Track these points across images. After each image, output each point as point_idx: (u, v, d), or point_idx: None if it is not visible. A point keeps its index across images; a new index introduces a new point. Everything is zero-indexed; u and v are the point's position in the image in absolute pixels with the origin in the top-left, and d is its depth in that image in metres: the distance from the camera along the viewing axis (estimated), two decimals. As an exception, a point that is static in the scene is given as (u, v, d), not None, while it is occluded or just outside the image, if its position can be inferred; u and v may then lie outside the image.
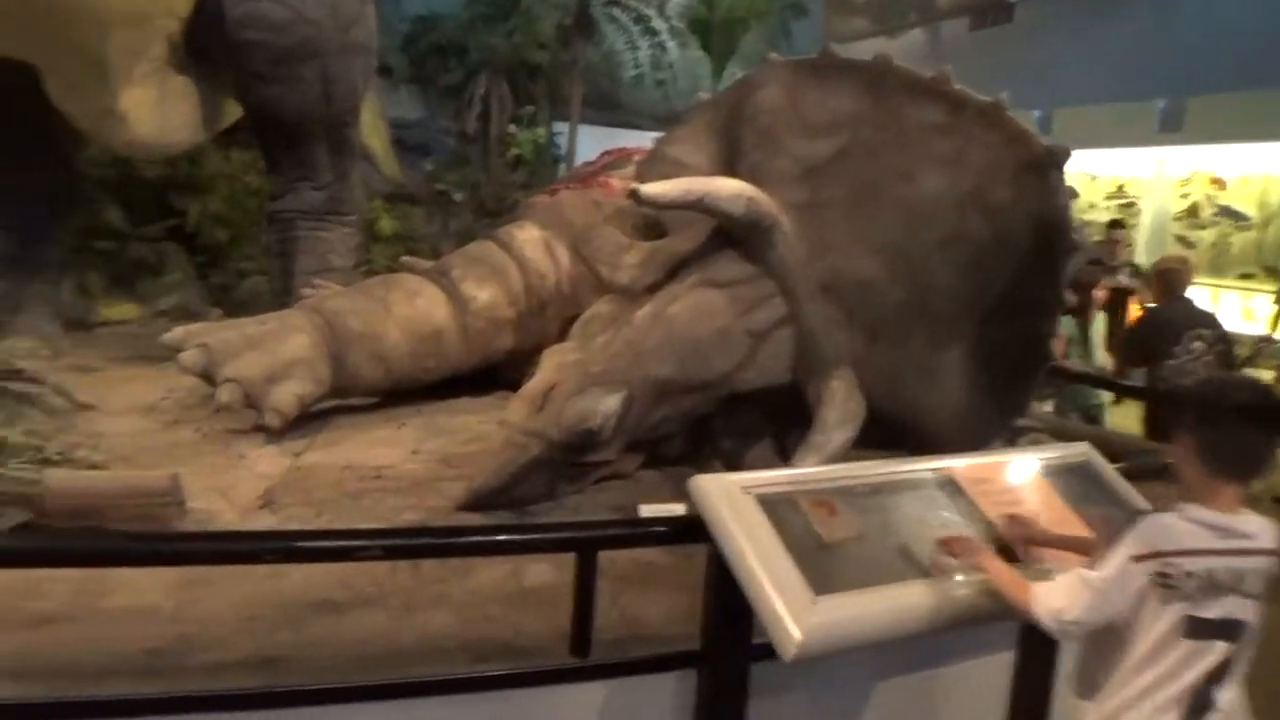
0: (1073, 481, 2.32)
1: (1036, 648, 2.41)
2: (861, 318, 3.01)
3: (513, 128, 10.73)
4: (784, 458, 3.32)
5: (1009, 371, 2.99)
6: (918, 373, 3.08)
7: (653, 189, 2.55)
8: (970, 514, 2.08)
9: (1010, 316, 2.94)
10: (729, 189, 2.67)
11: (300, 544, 1.69)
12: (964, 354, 3.04)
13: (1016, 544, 1.99)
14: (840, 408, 2.71)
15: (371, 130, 8.12)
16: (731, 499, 1.83)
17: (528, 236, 4.02)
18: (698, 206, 2.65)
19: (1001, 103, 2.96)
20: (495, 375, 4.11)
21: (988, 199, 2.90)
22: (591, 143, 10.56)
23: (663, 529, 1.94)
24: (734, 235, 2.90)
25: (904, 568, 1.87)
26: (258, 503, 2.67)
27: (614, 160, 4.87)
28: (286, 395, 3.17)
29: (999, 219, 2.89)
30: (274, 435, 3.24)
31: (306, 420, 3.43)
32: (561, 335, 4.19)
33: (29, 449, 2.42)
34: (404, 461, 3.12)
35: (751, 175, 3.08)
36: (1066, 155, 2.82)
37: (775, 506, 1.86)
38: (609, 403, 2.55)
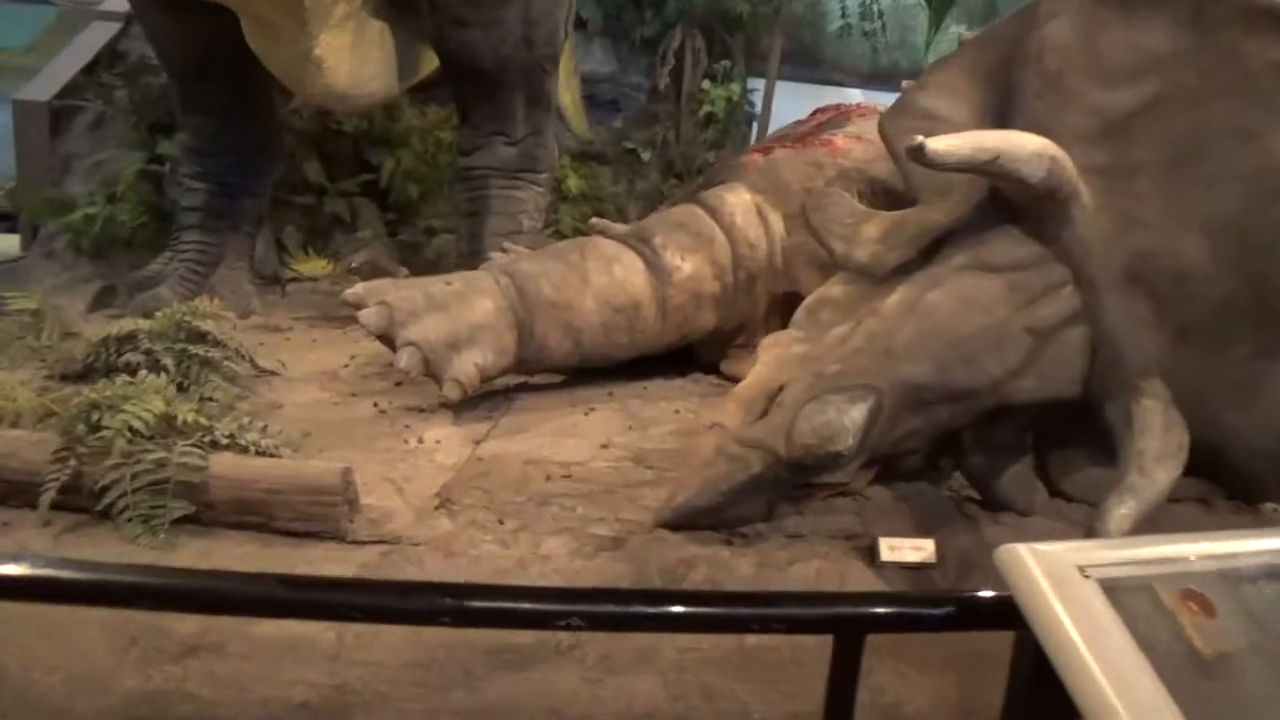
0: None
1: None
2: (1174, 316, 2.34)
3: (706, 83, 10.15)
4: (1046, 480, 2.73)
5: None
6: (1233, 387, 2.39)
7: (942, 143, 1.99)
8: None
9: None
10: (1030, 147, 2.07)
11: (481, 604, 1.30)
12: (1301, 366, 2.34)
13: None
14: (1160, 437, 2.07)
15: (564, 85, 7.83)
16: (1064, 584, 1.29)
17: (738, 201, 3.54)
18: (989, 168, 2.07)
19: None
20: (690, 354, 3.69)
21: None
22: (788, 101, 9.83)
23: (950, 610, 1.43)
24: (1015, 206, 2.29)
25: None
26: (434, 501, 2.35)
27: (830, 118, 4.30)
28: (467, 365, 2.87)
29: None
30: (454, 416, 2.96)
31: (488, 399, 3.13)
32: (770, 315, 3.72)
33: (198, 429, 2.18)
34: (594, 458, 2.74)
35: (1034, 131, 2.46)
36: None
37: (1125, 596, 1.31)
38: (854, 415, 2.04)
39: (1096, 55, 2.62)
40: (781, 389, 2.22)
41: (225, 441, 2.18)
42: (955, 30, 11.30)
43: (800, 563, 2.17)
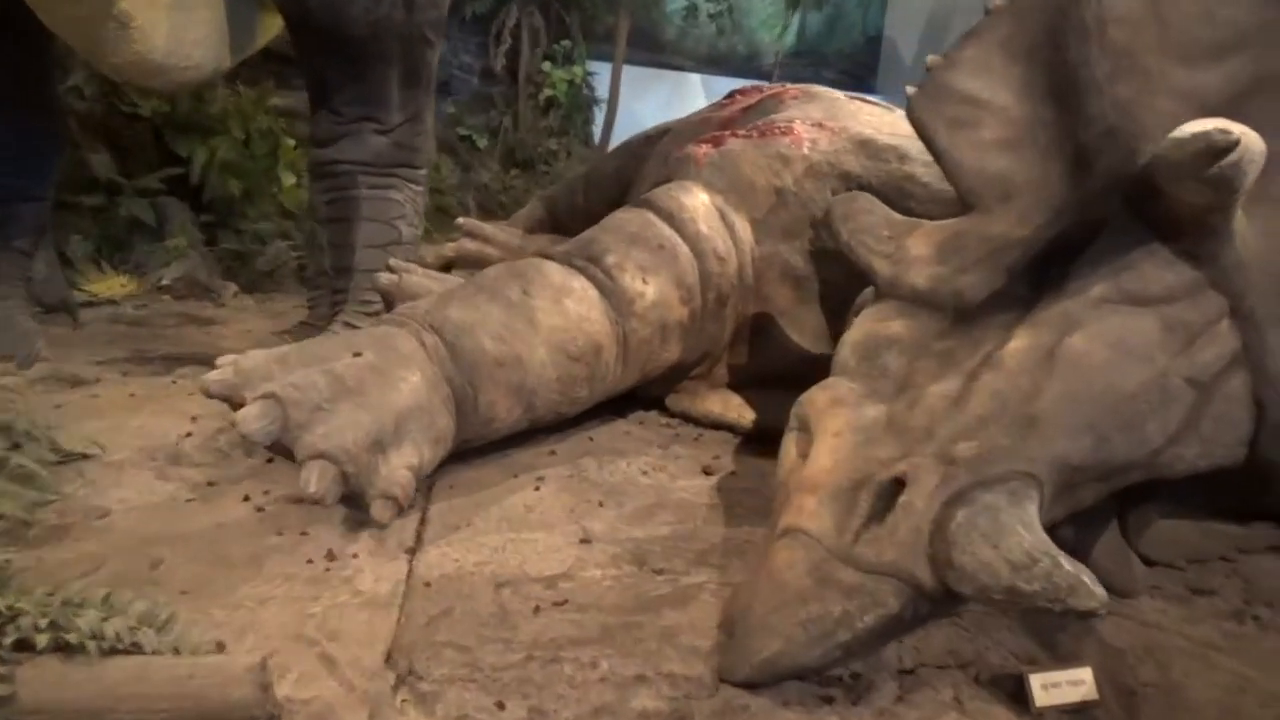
0: None
1: None
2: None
3: (546, 65, 9.46)
4: (1132, 545, 2.27)
5: None
6: None
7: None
8: None
9: None
10: (1260, 144, 1.54)
11: None
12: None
13: None
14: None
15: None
16: None
17: (697, 204, 2.89)
18: (1211, 170, 1.51)
19: None
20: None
21: None
22: (630, 85, 9.28)
23: None
24: (1161, 219, 1.76)
25: None
26: (387, 676, 1.55)
27: (758, 101, 3.70)
28: (398, 471, 2.04)
29: None
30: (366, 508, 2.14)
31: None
32: (737, 341, 3.08)
33: (-12, 618, 1.28)
34: (580, 563, 2.01)
35: (1122, 118, 1.96)
36: None
37: None
38: (1029, 518, 1.44)
39: (1166, 27, 2.16)
40: (899, 482, 1.58)
41: (42, 640, 1.29)
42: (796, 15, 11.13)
43: (935, 723, 1.56)
